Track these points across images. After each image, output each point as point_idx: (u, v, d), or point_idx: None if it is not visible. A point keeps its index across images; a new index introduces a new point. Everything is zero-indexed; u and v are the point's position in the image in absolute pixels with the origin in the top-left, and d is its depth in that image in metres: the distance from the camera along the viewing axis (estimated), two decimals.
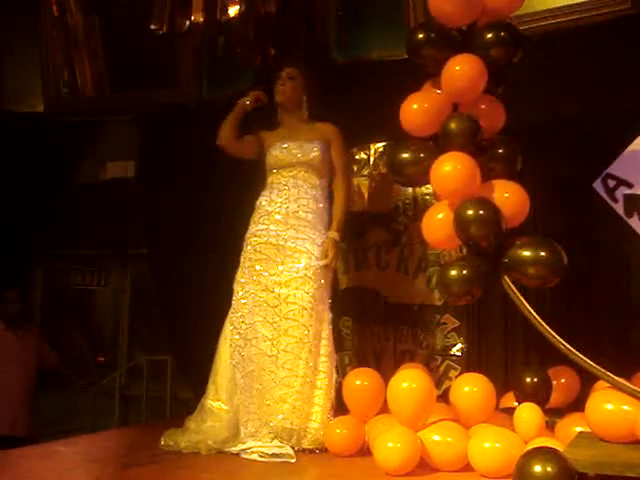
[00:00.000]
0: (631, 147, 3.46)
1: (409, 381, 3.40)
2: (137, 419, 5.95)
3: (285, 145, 4.02)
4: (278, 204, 3.94)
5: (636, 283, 4.05)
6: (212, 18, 4.28)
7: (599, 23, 3.79)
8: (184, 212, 5.13)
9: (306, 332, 3.73)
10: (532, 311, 3.21)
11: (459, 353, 4.21)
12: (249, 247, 3.93)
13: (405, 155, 3.59)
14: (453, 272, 3.35)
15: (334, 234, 3.94)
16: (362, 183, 4.60)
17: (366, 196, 4.60)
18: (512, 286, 3.27)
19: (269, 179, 4.06)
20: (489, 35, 3.44)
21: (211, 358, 3.94)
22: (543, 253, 3.24)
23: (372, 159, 4.61)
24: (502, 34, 3.44)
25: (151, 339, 6.11)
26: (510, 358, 4.17)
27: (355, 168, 4.62)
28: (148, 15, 4.53)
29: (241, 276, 3.92)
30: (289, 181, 3.97)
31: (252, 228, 3.97)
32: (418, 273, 4.39)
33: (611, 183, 3.49)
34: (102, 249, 6.42)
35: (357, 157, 4.63)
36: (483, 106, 3.51)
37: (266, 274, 3.85)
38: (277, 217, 3.91)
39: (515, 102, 3.59)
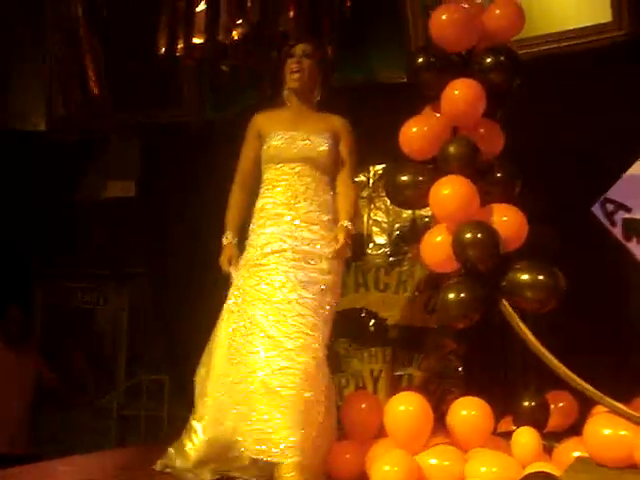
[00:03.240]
0: (630, 171, 3.48)
1: (406, 404, 3.39)
2: (135, 438, 5.93)
3: (288, 134, 3.45)
4: (286, 205, 3.39)
5: (635, 307, 4.05)
6: (213, 39, 4.31)
7: (598, 48, 3.82)
8: (184, 232, 5.15)
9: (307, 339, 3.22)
10: (530, 335, 3.21)
11: (457, 376, 4.20)
12: (257, 253, 3.35)
13: (404, 178, 3.61)
14: (451, 295, 3.36)
15: (347, 223, 3.42)
16: (361, 205, 4.61)
17: (365, 218, 4.60)
18: (510, 310, 3.27)
19: (267, 175, 3.48)
20: (488, 59, 3.48)
21: None
22: (541, 277, 3.25)
23: (371, 181, 4.62)
24: (501, 58, 3.48)
25: (150, 358, 6.10)
26: (508, 382, 4.16)
27: None
28: (152, 35, 4.56)
29: (245, 283, 3.38)
30: (294, 178, 3.42)
31: (258, 230, 3.42)
32: (416, 295, 4.39)
33: (610, 207, 3.51)
34: (102, 268, 6.42)
35: (356, 179, 4.64)
36: (482, 130, 3.53)
37: (272, 281, 3.30)
38: (287, 219, 3.38)
39: (514, 126, 3.61)
